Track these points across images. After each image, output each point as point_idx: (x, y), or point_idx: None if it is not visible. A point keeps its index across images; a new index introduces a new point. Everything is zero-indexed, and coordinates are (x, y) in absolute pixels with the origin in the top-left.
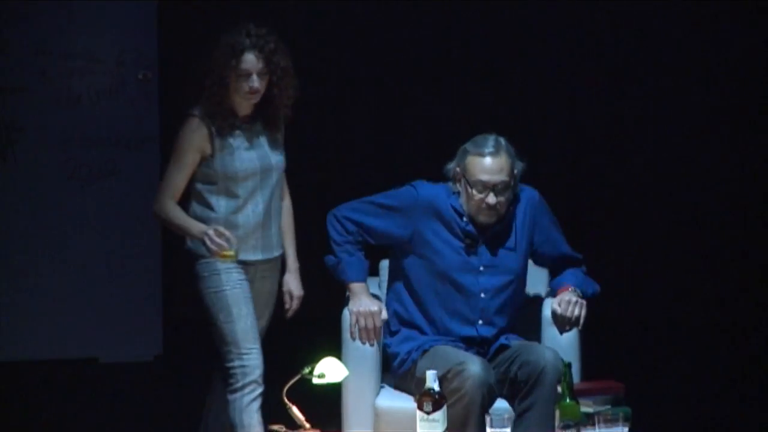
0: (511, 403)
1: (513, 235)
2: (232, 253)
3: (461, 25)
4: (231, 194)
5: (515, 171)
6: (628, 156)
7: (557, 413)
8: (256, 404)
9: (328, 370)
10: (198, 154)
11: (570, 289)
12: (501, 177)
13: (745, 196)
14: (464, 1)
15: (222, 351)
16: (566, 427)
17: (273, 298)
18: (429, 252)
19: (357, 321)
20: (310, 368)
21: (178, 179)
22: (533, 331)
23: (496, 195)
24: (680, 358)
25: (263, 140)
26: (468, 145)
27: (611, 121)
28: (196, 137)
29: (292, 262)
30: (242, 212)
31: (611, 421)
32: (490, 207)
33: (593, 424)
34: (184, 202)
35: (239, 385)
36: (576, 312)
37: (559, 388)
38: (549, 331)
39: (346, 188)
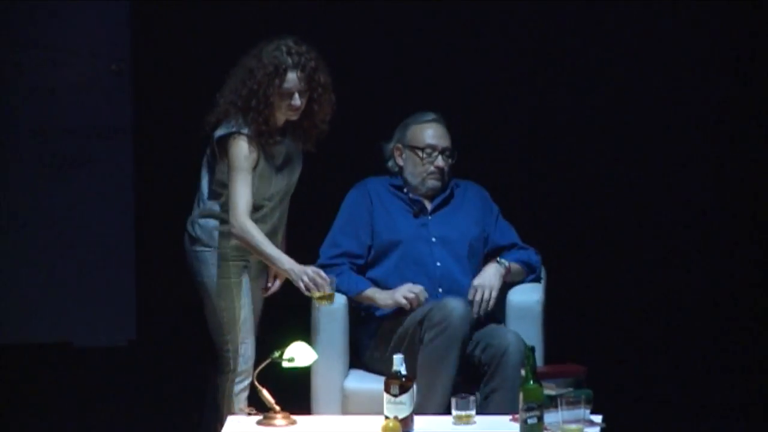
0: (475, 386)
1: (462, 210)
2: (331, 293)
3: (458, 26)
4: (256, 208)
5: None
6: (591, 147)
7: (521, 396)
8: (245, 393)
9: (297, 354)
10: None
11: (496, 262)
12: (446, 142)
13: (710, 183)
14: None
15: (218, 338)
16: (529, 409)
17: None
18: (384, 231)
19: (409, 302)
20: (279, 352)
21: (248, 195)
22: (497, 318)
23: (443, 159)
24: (640, 341)
25: (291, 153)
26: (408, 120)
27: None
28: (252, 155)
29: (282, 246)
30: (261, 223)
31: (573, 403)
32: (438, 169)
33: (556, 407)
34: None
35: (232, 373)
36: (485, 296)
37: (523, 372)
38: (513, 316)
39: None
